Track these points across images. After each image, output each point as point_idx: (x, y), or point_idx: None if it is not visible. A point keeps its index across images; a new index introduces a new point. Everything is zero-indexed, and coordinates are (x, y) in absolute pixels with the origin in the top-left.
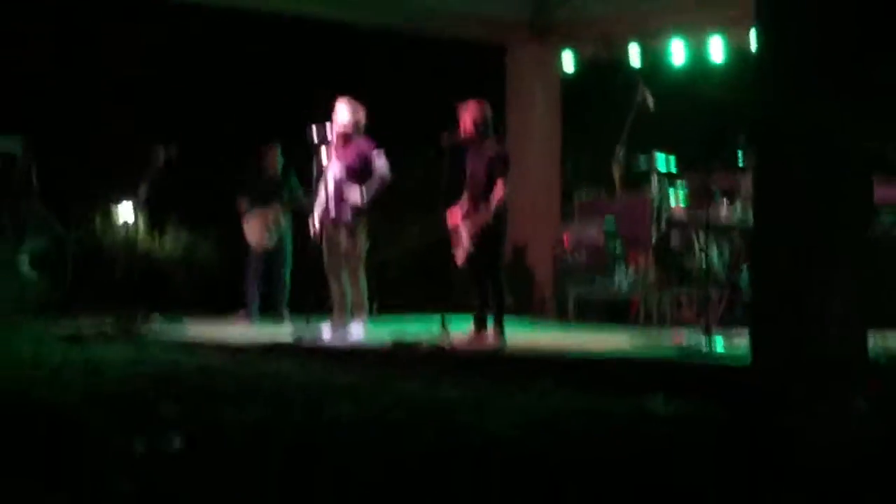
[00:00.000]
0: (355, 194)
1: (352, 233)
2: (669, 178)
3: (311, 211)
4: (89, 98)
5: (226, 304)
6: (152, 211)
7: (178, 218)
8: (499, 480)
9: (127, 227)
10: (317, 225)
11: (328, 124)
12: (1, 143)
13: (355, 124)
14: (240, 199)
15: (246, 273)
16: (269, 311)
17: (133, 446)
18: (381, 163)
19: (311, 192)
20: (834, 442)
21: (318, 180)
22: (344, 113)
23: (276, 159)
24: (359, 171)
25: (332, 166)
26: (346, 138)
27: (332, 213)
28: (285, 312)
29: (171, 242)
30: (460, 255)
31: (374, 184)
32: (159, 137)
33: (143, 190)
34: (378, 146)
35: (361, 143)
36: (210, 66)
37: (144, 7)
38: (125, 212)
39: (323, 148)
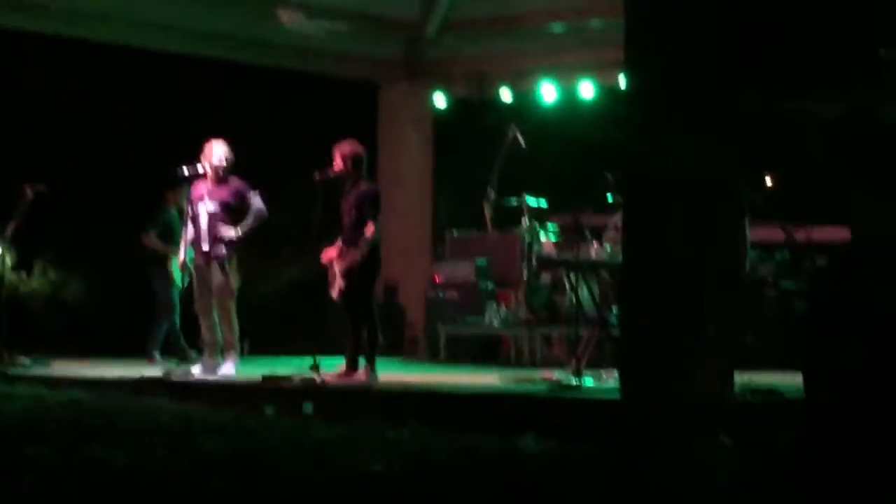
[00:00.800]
0: (229, 230)
1: (223, 269)
2: (540, 217)
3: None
4: None
5: (94, 343)
6: (20, 249)
7: (46, 256)
8: None
9: None
10: (186, 262)
11: (198, 163)
12: None
13: (228, 162)
14: (146, 234)
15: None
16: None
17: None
18: (257, 200)
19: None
20: (700, 479)
21: (187, 219)
22: (218, 150)
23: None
24: (234, 208)
25: (205, 204)
26: (218, 176)
27: (205, 250)
28: (156, 355)
29: (39, 280)
30: (335, 292)
31: (250, 220)
32: (27, 175)
33: (10, 228)
34: (253, 185)
35: (235, 181)
36: (82, 104)
37: (12, 42)
38: None
39: (191, 187)
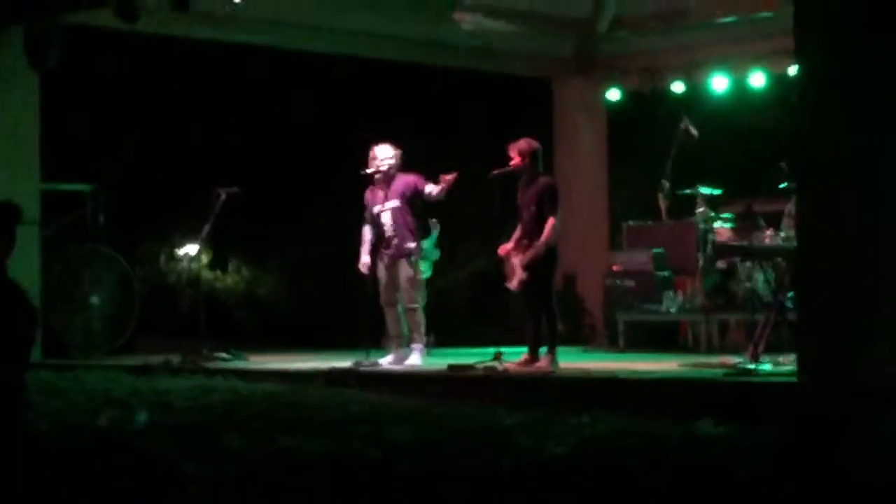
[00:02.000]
0: (410, 235)
1: (411, 263)
2: (714, 205)
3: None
4: (155, 144)
5: (287, 337)
6: (215, 249)
7: (240, 256)
8: (555, 497)
9: (190, 266)
10: (367, 259)
11: (369, 167)
12: (72, 189)
13: (397, 160)
14: None
15: None
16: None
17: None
18: (430, 186)
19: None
20: (881, 462)
21: (368, 217)
22: (387, 151)
23: None
24: (413, 200)
25: (385, 203)
26: (389, 176)
27: (394, 244)
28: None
29: (233, 278)
30: (514, 283)
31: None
32: (220, 178)
33: (205, 229)
34: (421, 175)
35: (405, 176)
36: (267, 109)
37: (204, 53)
38: (189, 251)
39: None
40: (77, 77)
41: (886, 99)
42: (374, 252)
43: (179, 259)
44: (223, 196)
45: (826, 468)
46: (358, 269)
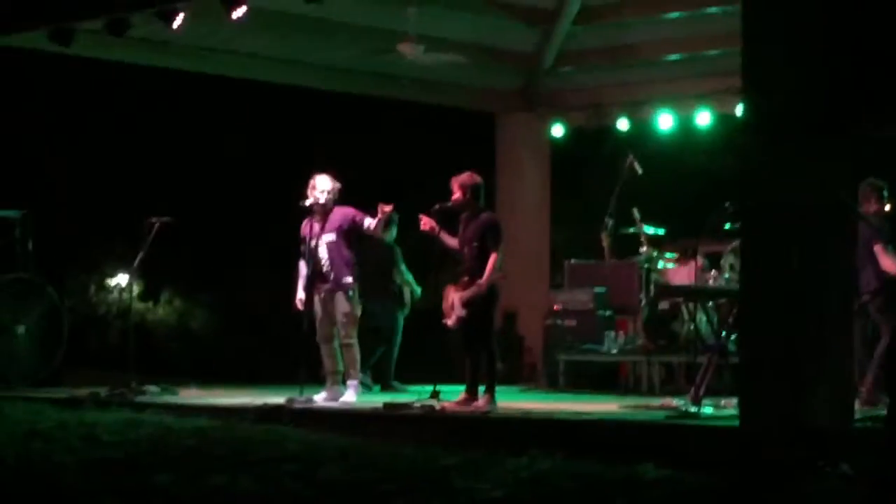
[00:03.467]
0: (347, 269)
1: (348, 298)
2: (657, 246)
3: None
4: (87, 171)
5: (218, 371)
6: (147, 280)
7: (172, 287)
8: None
9: (121, 296)
10: (303, 294)
11: (307, 198)
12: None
13: (335, 193)
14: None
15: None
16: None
17: None
18: (368, 220)
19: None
20: None
21: (304, 251)
22: (326, 183)
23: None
24: (350, 234)
25: (321, 237)
26: (327, 209)
27: (331, 279)
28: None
29: (165, 309)
30: (453, 320)
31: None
32: (152, 208)
33: (137, 260)
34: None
35: (343, 208)
36: (204, 137)
37: (139, 78)
38: (119, 281)
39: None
40: (6, 100)
41: (830, 140)
42: (311, 286)
43: (110, 289)
44: (156, 225)
45: None
46: (294, 305)
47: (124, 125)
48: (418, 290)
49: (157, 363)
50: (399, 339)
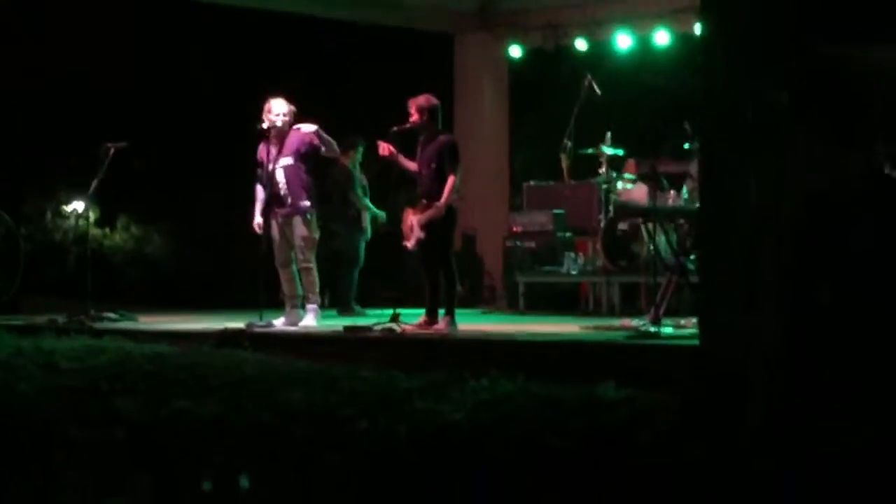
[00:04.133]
0: (304, 193)
1: (306, 222)
2: (617, 166)
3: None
4: (40, 98)
5: (176, 298)
6: (103, 206)
7: (129, 213)
8: (453, 463)
9: (77, 223)
10: (260, 218)
11: (262, 122)
12: None
13: (291, 115)
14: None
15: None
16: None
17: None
18: (325, 139)
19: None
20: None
21: (261, 175)
22: (281, 106)
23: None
24: (308, 156)
25: (279, 160)
26: (283, 132)
27: (287, 203)
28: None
29: (121, 235)
30: (412, 243)
31: (331, 149)
32: (110, 133)
33: (93, 185)
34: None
35: (299, 130)
36: (159, 61)
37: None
38: (76, 207)
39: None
40: None
41: (787, 57)
42: (268, 211)
43: (66, 216)
44: (112, 151)
45: (728, 431)
46: (251, 229)
47: (80, 49)
48: (382, 214)
49: (114, 290)
50: (360, 262)
